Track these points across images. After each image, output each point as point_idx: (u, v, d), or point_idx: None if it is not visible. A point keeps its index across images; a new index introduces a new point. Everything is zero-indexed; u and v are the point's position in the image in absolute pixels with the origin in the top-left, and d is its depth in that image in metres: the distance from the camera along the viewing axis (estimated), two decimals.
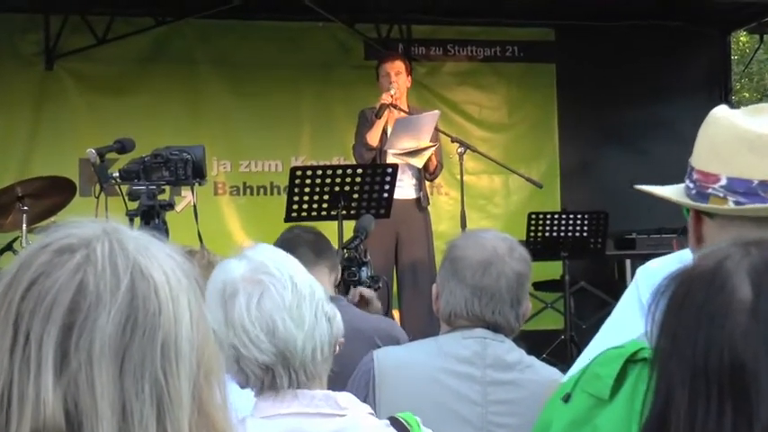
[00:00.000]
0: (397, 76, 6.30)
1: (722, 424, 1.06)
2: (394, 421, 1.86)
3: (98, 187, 3.87)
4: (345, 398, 1.87)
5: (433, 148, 6.13)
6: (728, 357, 1.07)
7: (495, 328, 2.58)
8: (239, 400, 2.08)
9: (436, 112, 6.33)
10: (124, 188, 3.86)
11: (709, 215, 1.73)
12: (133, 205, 3.82)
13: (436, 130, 6.22)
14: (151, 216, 3.76)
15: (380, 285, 4.35)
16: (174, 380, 0.98)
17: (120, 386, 0.96)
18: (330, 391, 1.86)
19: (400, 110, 6.26)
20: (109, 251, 1.00)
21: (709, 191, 1.72)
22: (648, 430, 1.13)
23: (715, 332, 1.09)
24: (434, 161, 6.22)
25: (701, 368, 1.08)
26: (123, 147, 4.07)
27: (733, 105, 9.51)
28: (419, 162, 6.11)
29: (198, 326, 1.02)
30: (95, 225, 1.04)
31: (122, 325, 0.97)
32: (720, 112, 1.78)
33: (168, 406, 0.97)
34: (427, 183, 6.48)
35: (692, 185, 1.76)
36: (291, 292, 1.82)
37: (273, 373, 1.82)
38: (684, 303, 1.13)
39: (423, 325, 5.46)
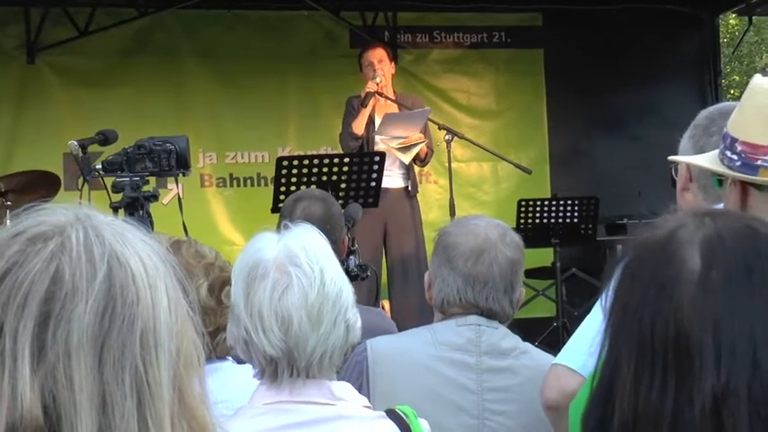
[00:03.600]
0: (381, 63, 6.33)
1: (664, 398, 1.04)
2: (391, 413, 1.85)
3: (82, 180, 3.83)
4: (340, 387, 1.86)
5: (422, 145, 6.17)
6: (674, 329, 1.05)
7: (489, 314, 2.57)
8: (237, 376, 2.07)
9: (427, 109, 6.35)
10: (108, 180, 3.83)
11: (758, 187, 1.71)
12: (117, 197, 3.77)
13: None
14: (135, 208, 3.73)
15: (368, 274, 4.34)
16: (153, 370, 0.97)
17: (100, 378, 0.93)
18: (326, 381, 1.84)
19: (386, 98, 6.26)
20: (84, 239, 0.98)
21: (759, 162, 1.70)
22: (595, 401, 1.11)
23: (663, 302, 1.07)
24: (425, 148, 6.24)
25: (648, 340, 1.06)
26: (106, 138, 4.05)
27: (722, 88, 9.52)
28: (407, 158, 6.12)
29: (176, 312, 1.00)
30: (67, 212, 1.01)
31: (100, 315, 0.95)
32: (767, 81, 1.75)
33: (148, 397, 0.95)
34: (416, 171, 6.48)
35: (735, 157, 1.73)
36: (317, 292, 1.80)
37: (277, 366, 1.81)
38: (636, 273, 1.11)
39: (413, 315, 5.46)
